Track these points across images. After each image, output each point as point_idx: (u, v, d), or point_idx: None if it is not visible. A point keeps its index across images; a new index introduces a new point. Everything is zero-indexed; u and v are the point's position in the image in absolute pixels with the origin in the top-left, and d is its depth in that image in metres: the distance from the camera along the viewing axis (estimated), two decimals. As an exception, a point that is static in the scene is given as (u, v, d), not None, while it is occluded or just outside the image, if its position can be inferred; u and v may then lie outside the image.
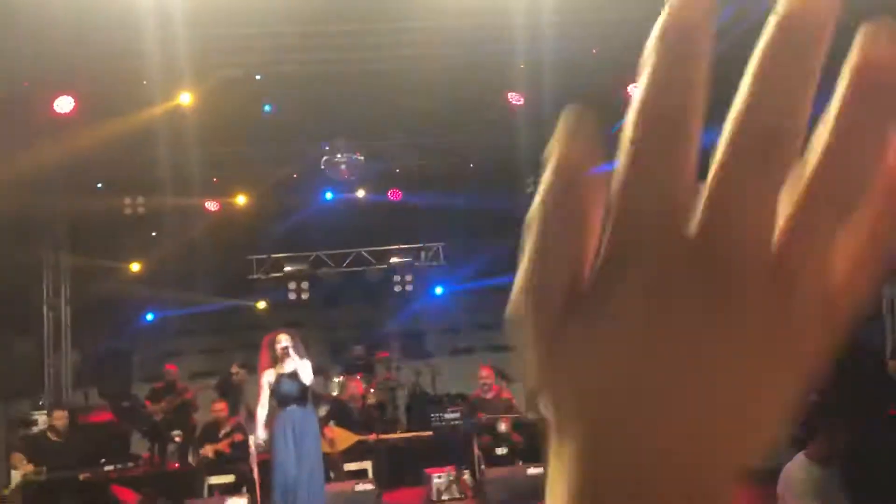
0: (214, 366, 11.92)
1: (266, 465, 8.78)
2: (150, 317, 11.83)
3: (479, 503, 7.73)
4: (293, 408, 6.86)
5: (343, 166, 9.64)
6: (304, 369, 6.86)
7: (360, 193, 10.86)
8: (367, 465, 8.57)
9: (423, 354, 12.06)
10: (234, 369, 10.29)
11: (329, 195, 10.62)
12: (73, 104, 8.12)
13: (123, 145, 9.22)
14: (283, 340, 6.93)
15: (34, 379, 10.14)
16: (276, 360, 6.89)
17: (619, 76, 7.09)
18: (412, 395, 11.07)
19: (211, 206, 11.36)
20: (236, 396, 10.06)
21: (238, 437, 8.65)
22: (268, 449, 7.25)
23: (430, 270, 11.87)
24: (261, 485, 8.41)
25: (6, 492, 7.95)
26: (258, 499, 8.35)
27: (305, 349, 7.03)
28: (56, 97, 7.99)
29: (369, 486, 7.93)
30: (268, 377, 6.92)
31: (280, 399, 6.91)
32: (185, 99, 8.42)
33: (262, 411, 7.02)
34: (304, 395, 6.95)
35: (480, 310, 13.31)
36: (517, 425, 8.88)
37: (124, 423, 9.41)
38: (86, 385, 11.04)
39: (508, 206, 11.89)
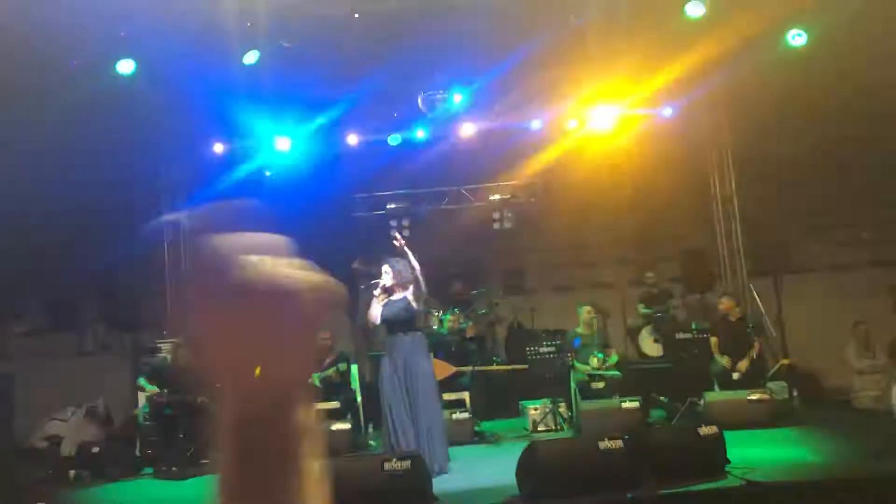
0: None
1: (370, 392, 9.19)
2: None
3: (574, 434, 7.81)
4: (401, 335, 6.76)
5: (440, 102, 9.65)
6: (414, 296, 6.77)
7: (462, 131, 10.81)
8: (465, 395, 8.77)
9: (523, 290, 12.10)
10: (355, 264, 10.65)
11: (422, 133, 10.63)
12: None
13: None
14: (383, 275, 6.88)
15: (158, 311, 10.86)
16: (377, 293, 6.86)
17: None
18: (510, 329, 11.20)
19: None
20: (356, 293, 10.49)
21: (342, 366, 9.03)
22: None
23: (528, 206, 11.80)
24: (364, 411, 8.83)
25: (136, 412, 8.66)
26: (362, 424, 8.78)
27: (415, 273, 6.76)
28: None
29: (466, 415, 8.14)
30: (374, 307, 6.85)
31: (388, 328, 6.86)
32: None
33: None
34: (411, 322, 6.83)
35: (581, 246, 13.20)
36: (614, 360, 8.88)
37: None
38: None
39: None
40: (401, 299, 6.80)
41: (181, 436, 8.12)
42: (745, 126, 10.94)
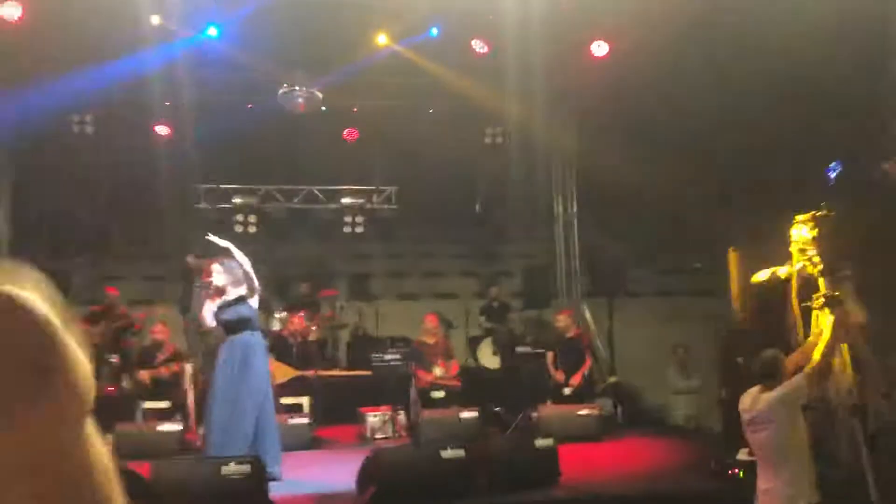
0: (155, 293, 11.78)
1: (203, 392, 8.79)
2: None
3: (412, 443, 7.86)
4: (238, 335, 6.46)
5: (300, 100, 9.47)
6: (248, 293, 6.49)
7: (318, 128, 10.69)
8: (304, 400, 8.60)
9: (369, 297, 12.08)
10: (190, 259, 10.20)
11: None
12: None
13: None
14: (214, 275, 6.57)
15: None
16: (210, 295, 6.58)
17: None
18: (354, 335, 11.13)
19: (162, 130, 11.11)
20: (189, 290, 10.09)
21: (176, 366, 8.60)
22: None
23: (381, 213, 11.82)
24: (195, 411, 8.43)
25: None
26: (193, 425, 8.37)
27: (245, 268, 6.52)
28: None
29: (304, 420, 7.98)
30: (208, 311, 6.56)
31: (225, 326, 6.54)
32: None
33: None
34: (249, 322, 6.54)
35: (429, 256, 13.39)
36: (455, 371, 9.04)
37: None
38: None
39: (466, 156, 11.94)
40: (235, 299, 6.52)
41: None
42: (590, 151, 11.53)
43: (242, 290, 6.53)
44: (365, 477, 5.42)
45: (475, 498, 5.34)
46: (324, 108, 10.52)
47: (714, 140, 10.62)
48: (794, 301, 5.78)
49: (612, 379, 9.82)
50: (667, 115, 10.31)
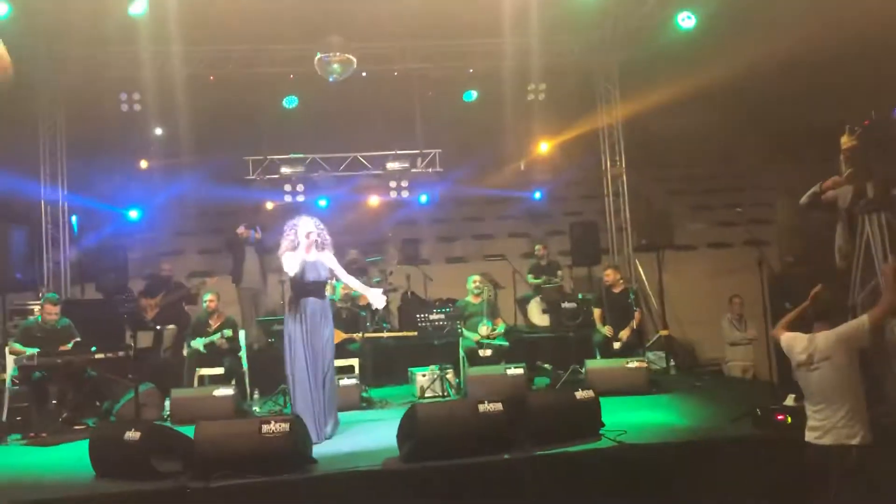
0: (211, 265, 12.09)
1: (256, 359, 9.03)
2: (136, 214, 11.83)
3: (458, 400, 7.91)
4: (312, 300, 6.53)
5: (336, 66, 9.48)
6: (328, 259, 6.59)
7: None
8: (354, 362, 8.73)
9: (418, 260, 12.14)
10: (241, 229, 10.46)
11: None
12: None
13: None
14: (312, 227, 6.54)
15: (34, 274, 10.31)
16: (296, 246, 6.48)
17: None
18: (403, 298, 11.22)
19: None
20: (241, 259, 10.33)
21: (229, 332, 8.81)
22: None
23: (426, 177, 11.80)
24: (249, 377, 8.67)
25: (3, 376, 8.19)
26: (247, 389, 8.61)
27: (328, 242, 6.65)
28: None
29: (354, 382, 8.11)
30: (290, 259, 6.42)
31: (298, 288, 6.55)
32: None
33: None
34: (323, 288, 6.65)
35: (476, 219, 13.36)
36: (502, 329, 9.03)
37: (118, 315, 9.59)
38: (84, 280, 11.24)
39: (508, 115, 11.80)
40: (315, 262, 6.56)
41: (53, 401, 7.78)
42: (636, 106, 11.27)
43: (324, 256, 6.60)
44: (404, 432, 5.48)
45: (514, 451, 5.35)
46: (364, 74, 10.53)
47: (762, 90, 10.25)
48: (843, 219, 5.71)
49: (664, 332, 9.66)
50: (713, 64, 9.96)
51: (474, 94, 11.34)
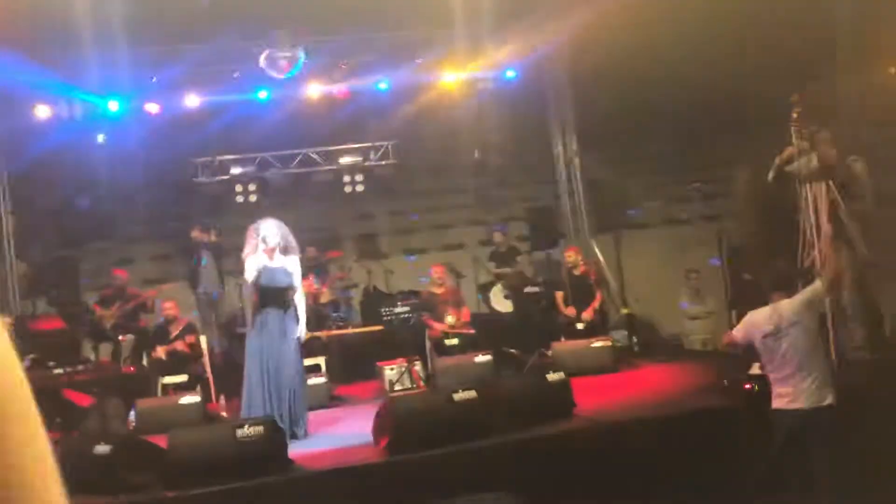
0: (165, 272, 11.84)
1: (219, 364, 8.89)
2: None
3: (431, 390, 7.91)
4: (272, 309, 6.32)
5: (284, 62, 9.34)
6: (291, 264, 6.36)
7: (305, 91, 10.55)
8: (321, 360, 8.65)
9: (377, 255, 12.07)
10: (195, 233, 10.27)
11: (264, 94, 10.27)
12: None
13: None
14: (273, 229, 6.31)
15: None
16: (257, 250, 6.27)
17: None
18: (366, 294, 11.16)
19: (152, 108, 11.01)
20: (199, 257, 10.16)
21: (190, 338, 8.67)
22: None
23: (380, 170, 11.73)
24: (213, 382, 8.53)
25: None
26: (212, 395, 8.48)
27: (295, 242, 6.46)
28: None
29: (322, 380, 8.05)
30: (253, 263, 6.25)
31: (259, 296, 6.34)
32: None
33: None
34: (285, 295, 6.38)
35: (433, 209, 13.33)
36: (467, 318, 9.05)
37: (73, 329, 9.34)
38: (34, 294, 10.90)
39: (461, 102, 11.77)
40: (279, 267, 6.34)
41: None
42: (586, 85, 11.35)
43: (288, 260, 6.38)
44: (379, 427, 5.46)
45: (491, 437, 5.37)
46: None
47: (710, 63, 10.41)
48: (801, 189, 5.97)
49: (625, 310, 9.80)
50: (661, 39, 10.08)
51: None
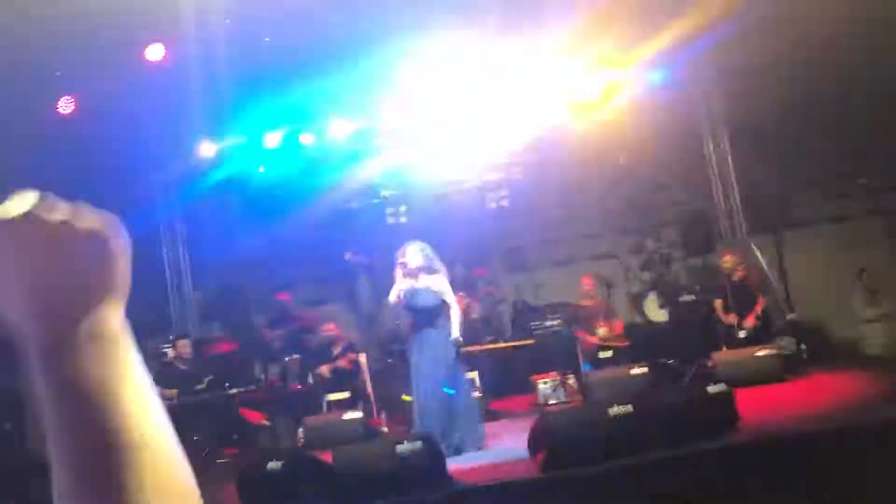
0: (326, 293, 12.42)
1: (379, 380, 9.21)
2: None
3: (586, 405, 7.81)
4: (427, 328, 6.56)
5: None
6: (437, 283, 6.56)
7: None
8: (474, 375, 8.76)
9: (524, 267, 12.08)
10: (348, 255, 10.71)
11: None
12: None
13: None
14: (415, 253, 6.56)
15: (162, 318, 10.92)
16: (404, 273, 6.56)
17: None
18: (515, 307, 11.19)
19: (306, 139, 11.62)
20: (353, 284, 10.54)
21: (351, 355, 9.05)
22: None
23: (522, 183, 11.74)
24: (374, 398, 8.86)
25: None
26: (374, 411, 8.80)
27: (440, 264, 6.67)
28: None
29: (477, 394, 8.14)
30: (397, 286, 6.55)
31: (411, 317, 6.63)
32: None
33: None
34: (436, 314, 6.59)
35: (580, 219, 13.16)
36: (620, 329, 8.88)
37: (245, 350, 10.00)
38: (209, 320, 11.78)
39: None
40: (425, 287, 6.59)
41: (195, 437, 8.19)
42: (735, 83, 10.86)
43: (434, 281, 6.59)
44: (535, 442, 5.47)
45: (648, 452, 5.23)
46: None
47: (874, 51, 9.68)
48: None
49: (791, 316, 9.24)
50: (815, 32, 9.49)
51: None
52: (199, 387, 8.21)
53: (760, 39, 9.72)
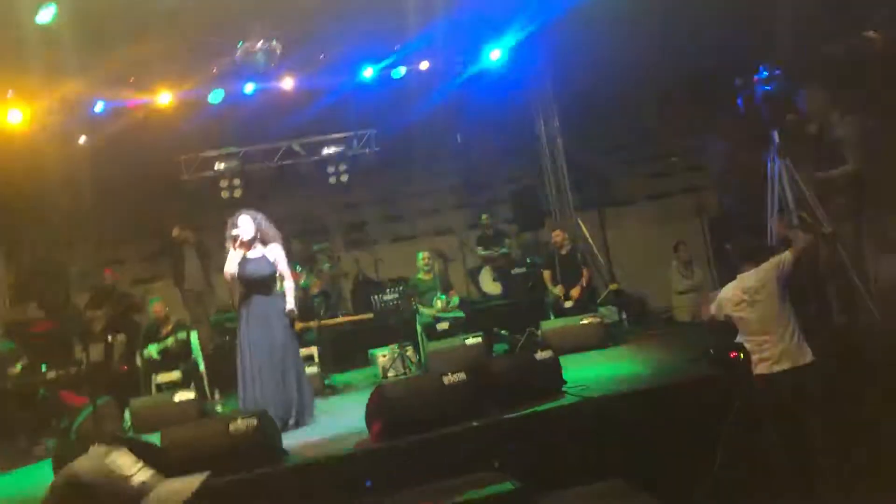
0: (154, 271, 11.85)
1: (212, 360, 8.93)
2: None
3: (421, 374, 7.98)
4: (258, 297, 6.41)
5: (261, 55, 9.29)
6: (271, 253, 6.46)
7: (285, 83, 10.48)
8: (313, 350, 8.70)
9: (365, 244, 12.10)
10: (175, 232, 10.29)
11: (250, 87, 10.21)
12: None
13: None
14: (246, 223, 6.43)
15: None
16: (235, 244, 6.39)
17: None
18: (355, 282, 11.20)
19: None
20: (181, 261, 10.16)
21: (181, 335, 8.69)
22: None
23: (364, 158, 11.73)
24: (208, 378, 8.57)
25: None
26: (207, 391, 8.52)
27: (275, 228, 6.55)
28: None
29: (315, 370, 8.09)
30: (230, 258, 6.39)
31: (243, 286, 6.45)
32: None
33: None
34: (269, 283, 6.48)
35: (420, 195, 13.35)
36: (456, 302, 9.11)
37: (65, 331, 9.36)
38: (24, 300, 10.90)
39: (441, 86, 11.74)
40: (258, 257, 6.46)
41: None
42: (567, 65, 11.33)
43: (268, 250, 6.48)
44: (371, 414, 5.51)
45: (483, 418, 5.43)
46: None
47: (690, 35, 10.40)
48: None
49: (613, 287, 9.87)
50: (637, 14, 10.07)
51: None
52: (12, 370, 7.60)
53: (587, 24, 10.21)
